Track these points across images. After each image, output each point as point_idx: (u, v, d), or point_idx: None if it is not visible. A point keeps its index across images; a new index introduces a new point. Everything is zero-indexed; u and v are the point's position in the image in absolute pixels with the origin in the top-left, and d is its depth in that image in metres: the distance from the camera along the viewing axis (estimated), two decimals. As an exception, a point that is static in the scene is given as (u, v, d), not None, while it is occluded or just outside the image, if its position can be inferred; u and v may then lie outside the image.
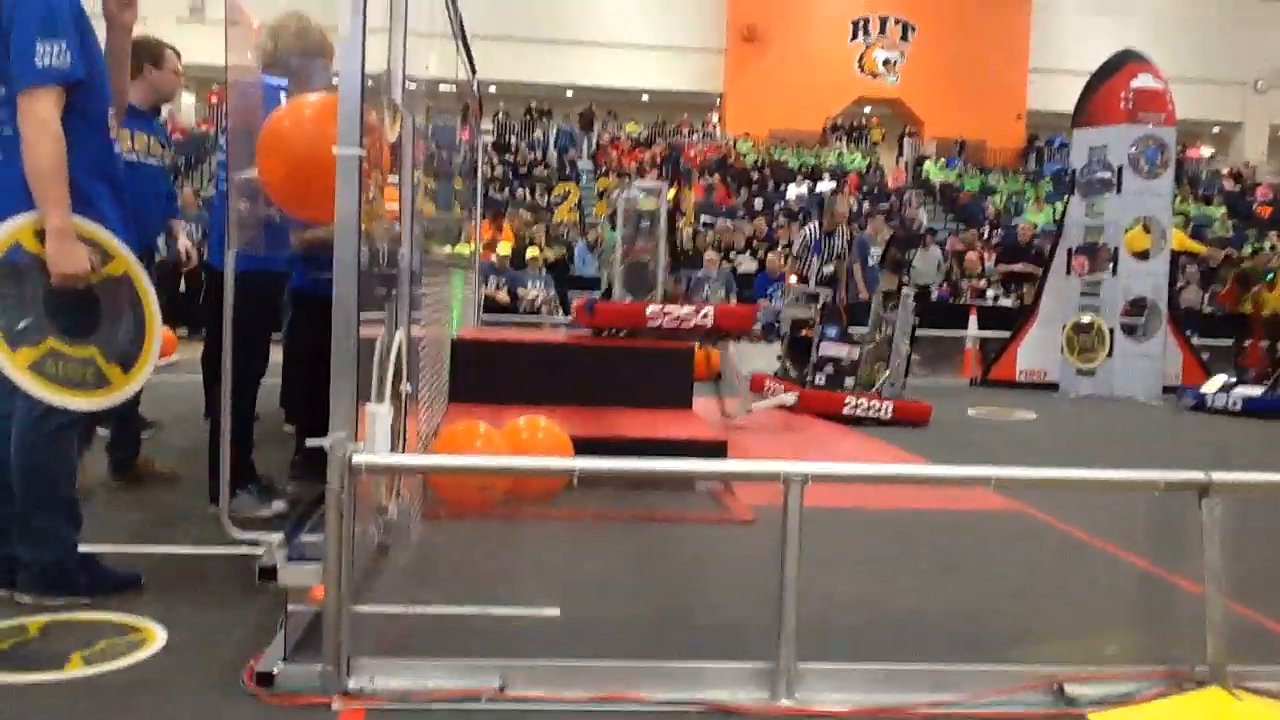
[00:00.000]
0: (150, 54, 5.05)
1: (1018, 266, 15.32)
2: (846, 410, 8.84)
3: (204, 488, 4.73)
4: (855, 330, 9.96)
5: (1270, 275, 18.18)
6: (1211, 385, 10.69)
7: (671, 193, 8.96)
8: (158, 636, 3.17)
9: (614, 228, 8.73)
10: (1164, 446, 8.29)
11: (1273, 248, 21.26)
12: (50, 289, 3.22)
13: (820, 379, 9.16)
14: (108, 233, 3.39)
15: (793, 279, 10.65)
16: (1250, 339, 11.68)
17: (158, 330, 3.53)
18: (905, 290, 9.61)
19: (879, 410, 8.83)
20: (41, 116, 3.20)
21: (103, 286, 3.35)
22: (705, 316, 7.23)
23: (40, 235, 3.21)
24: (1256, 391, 10.36)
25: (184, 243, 5.91)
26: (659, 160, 25.25)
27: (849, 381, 9.17)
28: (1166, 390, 11.39)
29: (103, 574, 3.56)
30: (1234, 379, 10.86)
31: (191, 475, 5.19)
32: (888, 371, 9.36)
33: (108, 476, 5.21)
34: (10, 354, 3.19)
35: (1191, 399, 10.76)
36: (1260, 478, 3.32)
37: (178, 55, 5.26)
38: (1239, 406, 10.25)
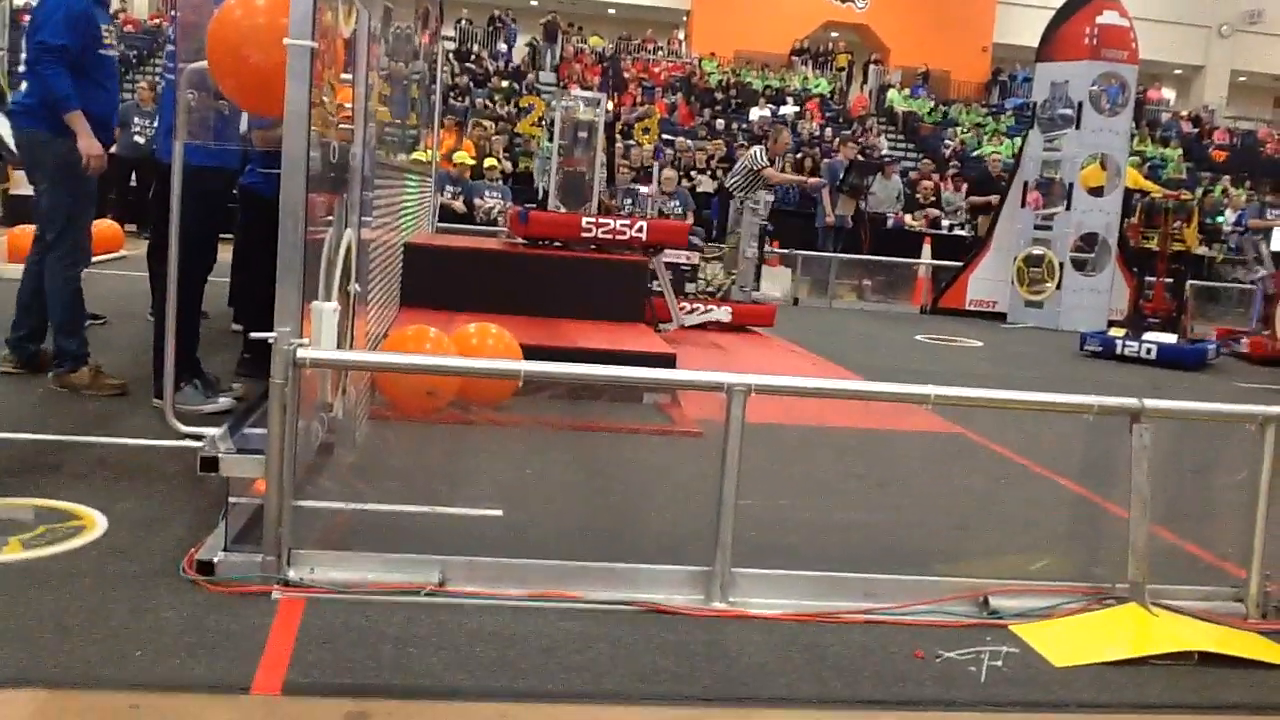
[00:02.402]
0: None
1: (992, 199, 15.29)
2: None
3: (149, 382, 4.71)
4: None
5: (1221, 216, 18.43)
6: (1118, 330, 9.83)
7: (610, 104, 8.90)
8: (98, 524, 3.18)
9: (550, 138, 8.64)
10: (1107, 376, 8.44)
11: (1224, 191, 21.48)
12: None
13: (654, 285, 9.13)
14: None
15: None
16: (1155, 278, 10.25)
17: None
18: (753, 197, 9.80)
19: (716, 313, 8.91)
20: None
21: None
22: (639, 230, 7.22)
23: None
24: (1170, 338, 9.45)
25: (85, 143, 4.79)
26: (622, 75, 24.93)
27: (690, 288, 9.15)
28: (1111, 324, 11.49)
29: None
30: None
31: (137, 370, 5.15)
32: (733, 276, 9.56)
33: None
34: None
35: (1098, 343, 9.71)
36: (1191, 406, 3.41)
37: None
38: (1152, 354, 9.33)
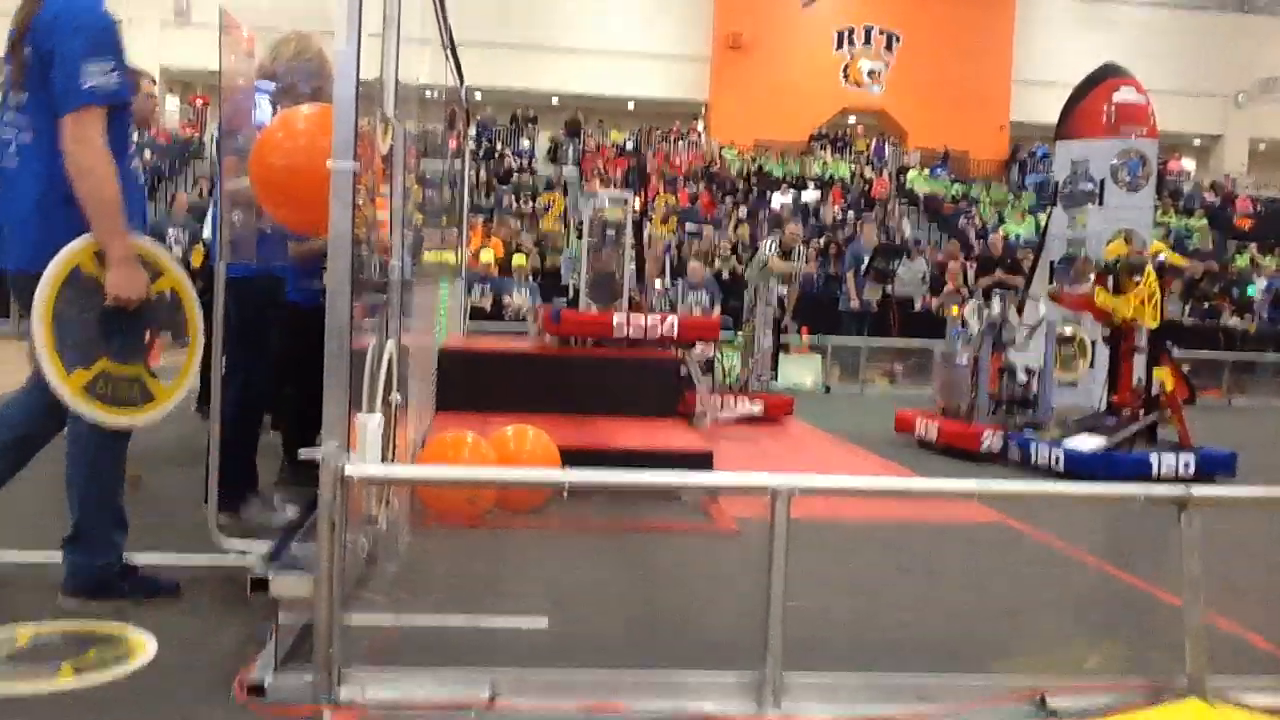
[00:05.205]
0: None
1: (1003, 276, 15.32)
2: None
3: (192, 495, 4.73)
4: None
5: (1251, 286, 18.35)
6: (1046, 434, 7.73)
7: (638, 201, 9.06)
8: (148, 647, 3.18)
9: (579, 236, 8.85)
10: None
11: (1252, 260, 21.43)
12: (104, 310, 3.25)
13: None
14: (159, 248, 3.42)
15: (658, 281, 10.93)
16: (1121, 364, 7.89)
17: (199, 343, 3.56)
18: (765, 286, 9.87)
19: (749, 407, 8.96)
20: (93, 141, 3.18)
21: (151, 304, 3.38)
22: (670, 326, 7.29)
23: (98, 257, 3.23)
24: (1091, 444, 7.29)
25: None
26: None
27: (707, 380, 9.04)
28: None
29: (143, 580, 3.62)
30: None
31: (182, 483, 5.19)
32: (749, 368, 9.65)
33: None
34: (65, 377, 3.22)
35: (1017, 448, 7.75)
36: (1238, 492, 3.39)
37: (153, 81, 5.39)
38: (1060, 465, 7.25)
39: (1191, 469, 7.20)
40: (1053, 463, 7.32)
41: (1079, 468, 7.06)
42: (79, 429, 3.43)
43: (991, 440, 7.82)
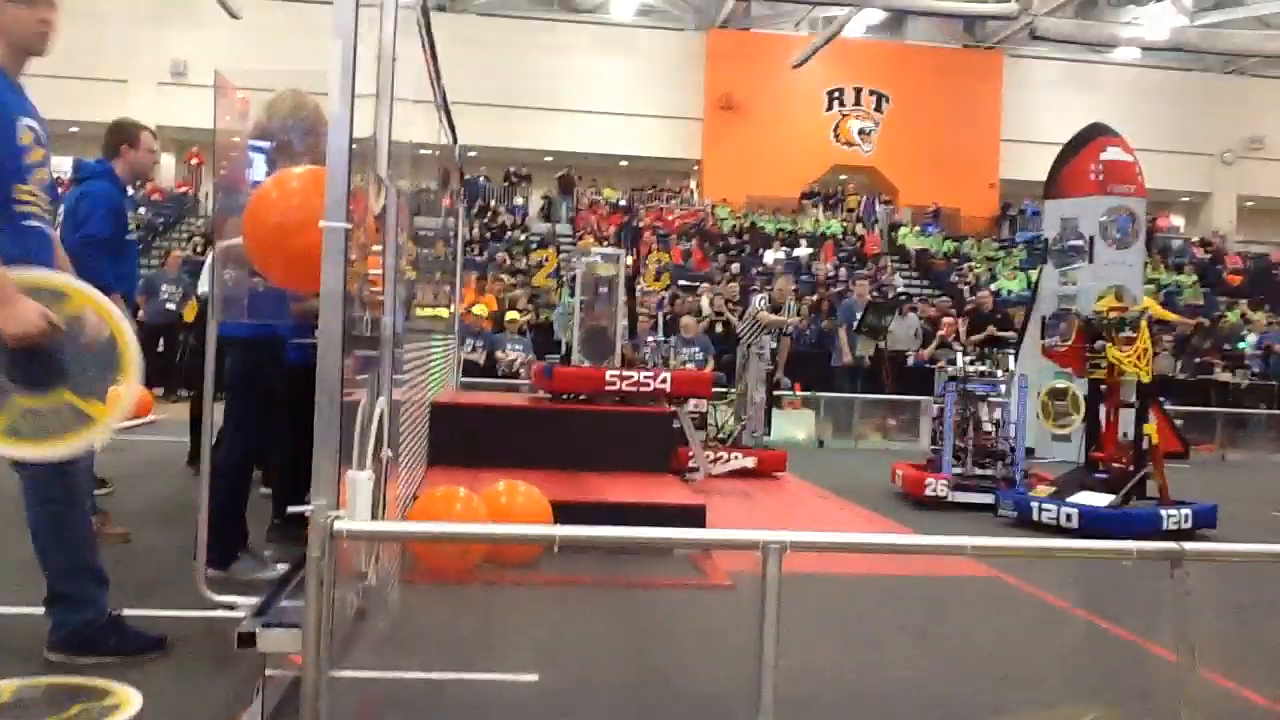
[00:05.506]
0: (127, 135, 5.26)
1: (995, 332, 15.37)
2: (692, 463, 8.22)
3: (182, 550, 4.71)
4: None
5: (1242, 341, 18.43)
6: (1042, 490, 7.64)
7: (630, 259, 9.16)
8: (133, 702, 3.14)
9: (571, 293, 8.95)
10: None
11: (1242, 315, 21.55)
12: (7, 351, 3.18)
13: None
14: (50, 272, 3.34)
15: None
16: (1107, 419, 7.80)
17: (134, 355, 3.45)
18: (758, 342, 9.92)
19: (741, 461, 8.99)
20: None
21: (62, 329, 3.27)
22: (663, 381, 7.32)
23: None
24: (1100, 500, 7.21)
25: None
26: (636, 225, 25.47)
27: (700, 435, 9.00)
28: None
29: (130, 636, 3.58)
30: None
31: (171, 538, 5.17)
32: (742, 423, 9.65)
33: None
34: None
35: (1012, 505, 7.59)
36: (1232, 548, 3.38)
37: (154, 135, 5.49)
38: (1074, 522, 7.03)
39: (1190, 523, 7.24)
40: (1063, 520, 7.11)
41: (1094, 524, 6.89)
42: (31, 494, 3.40)
43: (935, 488, 8.08)
